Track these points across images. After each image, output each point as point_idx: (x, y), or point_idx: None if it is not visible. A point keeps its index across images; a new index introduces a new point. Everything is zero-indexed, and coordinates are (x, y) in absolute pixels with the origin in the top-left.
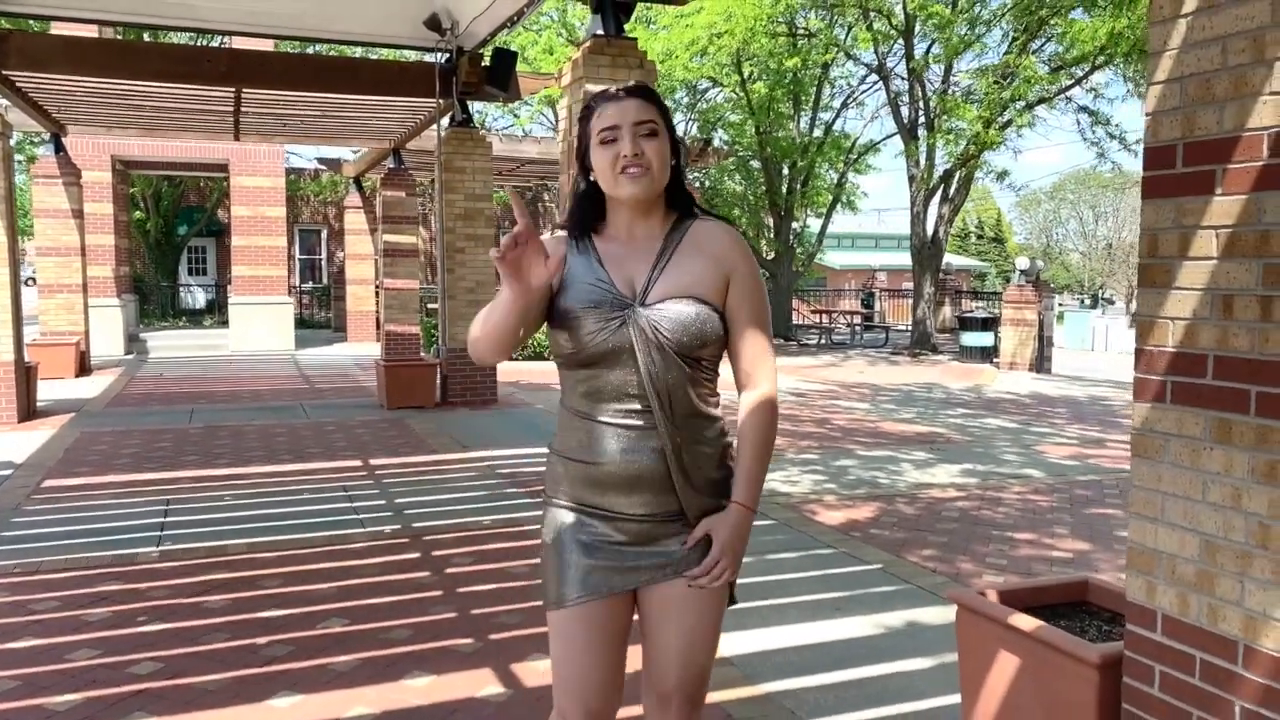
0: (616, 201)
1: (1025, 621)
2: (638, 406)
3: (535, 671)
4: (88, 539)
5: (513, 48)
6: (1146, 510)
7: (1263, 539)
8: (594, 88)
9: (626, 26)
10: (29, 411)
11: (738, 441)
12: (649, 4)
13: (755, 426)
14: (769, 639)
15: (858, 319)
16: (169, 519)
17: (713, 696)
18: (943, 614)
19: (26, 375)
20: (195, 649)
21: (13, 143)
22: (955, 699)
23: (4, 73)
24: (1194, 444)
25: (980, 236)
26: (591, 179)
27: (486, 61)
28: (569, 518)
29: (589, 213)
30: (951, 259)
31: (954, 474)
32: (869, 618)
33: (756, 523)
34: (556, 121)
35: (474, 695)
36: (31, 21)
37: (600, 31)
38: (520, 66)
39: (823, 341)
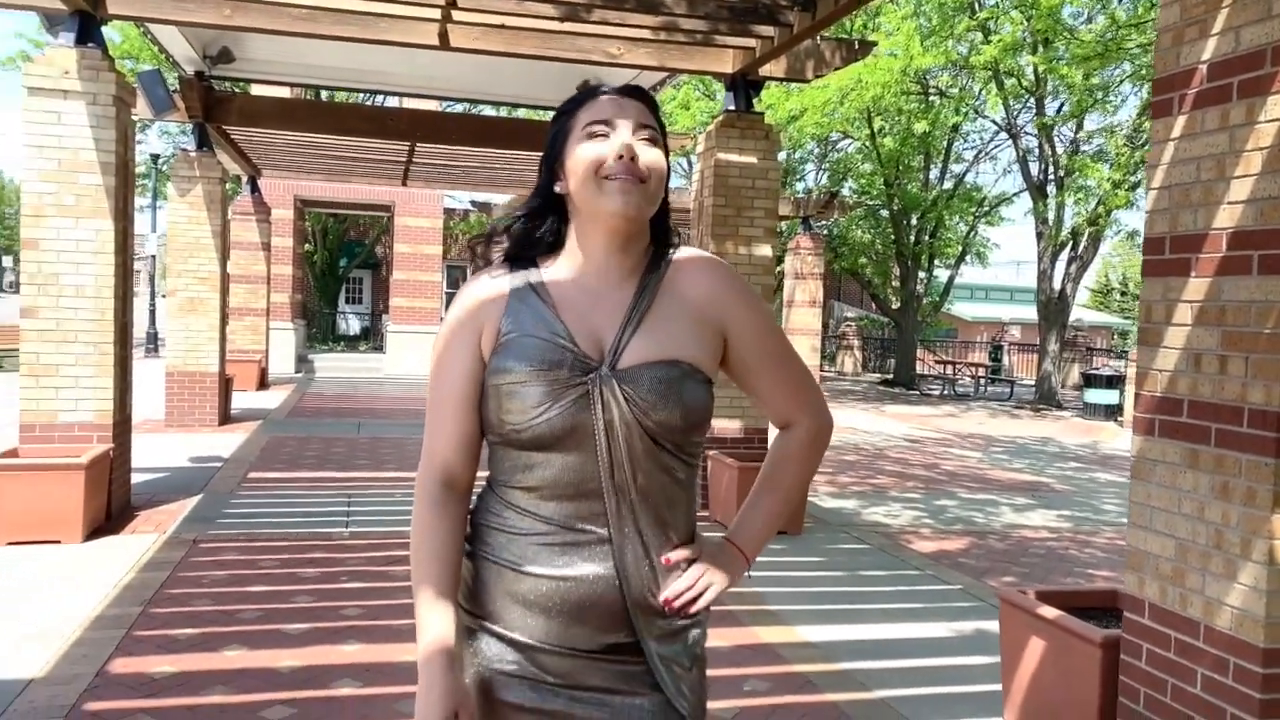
0: (592, 223)
1: (1049, 611)
2: (594, 509)
3: None
4: (291, 518)
5: None
6: (1139, 521)
7: (1217, 542)
8: (727, 158)
9: (758, 100)
10: (226, 416)
11: (762, 476)
12: (778, 81)
13: (787, 467)
14: (849, 633)
15: (983, 371)
16: (352, 508)
17: (794, 667)
18: None
19: (226, 386)
20: (388, 602)
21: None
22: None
23: (224, 127)
24: (1173, 468)
25: (1124, 293)
26: (557, 189)
27: None
28: (486, 642)
29: (543, 237)
30: (1087, 315)
31: (1049, 518)
32: (942, 624)
33: (851, 545)
34: (690, 171)
35: None
36: (237, 83)
37: (732, 107)
38: None
39: (945, 392)
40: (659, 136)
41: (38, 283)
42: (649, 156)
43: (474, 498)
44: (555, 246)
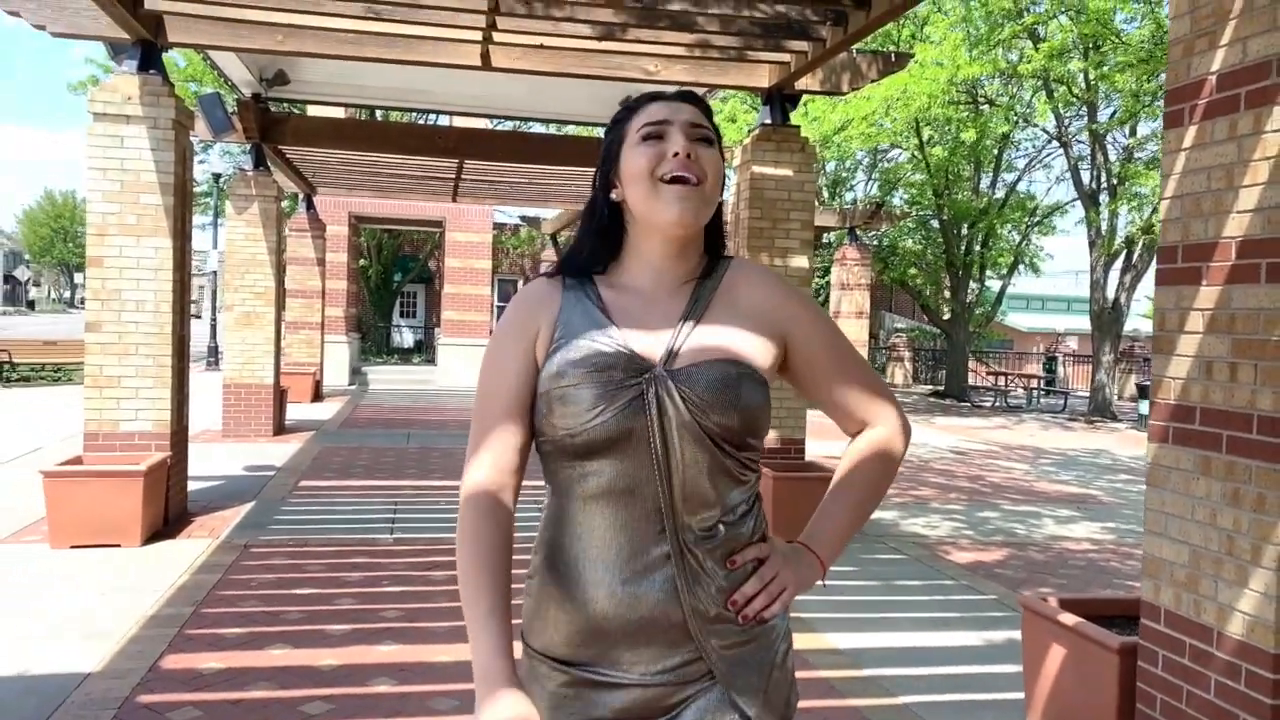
0: (648, 229)
1: (1069, 618)
2: (650, 517)
3: None
4: (339, 525)
5: None
6: (1155, 527)
7: (1229, 548)
8: (763, 170)
9: (799, 113)
10: (281, 427)
11: (836, 481)
12: (814, 95)
13: (863, 470)
14: (878, 640)
15: (1036, 383)
16: (398, 515)
17: (819, 673)
18: None
19: (281, 398)
20: (426, 605)
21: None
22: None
23: (279, 147)
24: (1186, 475)
25: None
26: (613, 198)
27: None
28: (551, 677)
29: (601, 251)
30: (1145, 326)
31: (1093, 530)
32: (973, 633)
33: (888, 556)
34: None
35: None
36: (293, 104)
37: (768, 120)
38: None
39: (997, 404)
40: (714, 138)
41: (101, 298)
42: (706, 158)
43: (543, 515)
44: (611, 254)
